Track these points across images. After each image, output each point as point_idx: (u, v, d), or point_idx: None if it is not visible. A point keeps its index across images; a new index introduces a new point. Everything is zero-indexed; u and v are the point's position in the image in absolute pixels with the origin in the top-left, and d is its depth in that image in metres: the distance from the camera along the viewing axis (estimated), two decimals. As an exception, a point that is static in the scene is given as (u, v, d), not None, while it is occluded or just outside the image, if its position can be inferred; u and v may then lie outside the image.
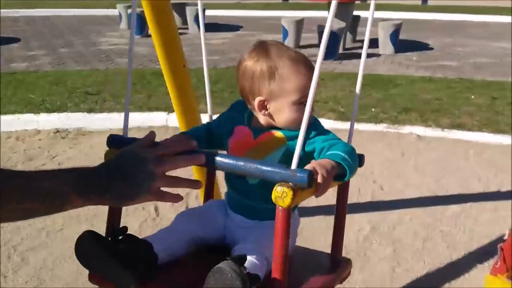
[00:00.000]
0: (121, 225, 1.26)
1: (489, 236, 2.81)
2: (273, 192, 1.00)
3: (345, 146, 1.19)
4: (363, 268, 2.57)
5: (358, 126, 4.37)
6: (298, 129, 1.06)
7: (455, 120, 4.41)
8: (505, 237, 2.10)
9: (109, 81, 5.78)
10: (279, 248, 1.04)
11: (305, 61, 1.25)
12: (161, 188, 1.01)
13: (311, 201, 1.35)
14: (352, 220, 3.01)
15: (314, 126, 1.24)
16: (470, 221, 2.99)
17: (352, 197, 3.28)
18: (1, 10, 11.60)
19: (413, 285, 2.46)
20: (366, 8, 7.00)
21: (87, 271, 1.17)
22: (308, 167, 1.06)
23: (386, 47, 7.70)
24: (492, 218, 3.00)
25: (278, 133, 1.25)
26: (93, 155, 4.02)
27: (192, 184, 1.12)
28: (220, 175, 1.49)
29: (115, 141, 1.28)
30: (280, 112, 1.24)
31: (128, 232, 1.20)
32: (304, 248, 1.40)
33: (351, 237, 2.85)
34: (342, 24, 7.57)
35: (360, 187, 3.39)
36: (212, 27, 10.39)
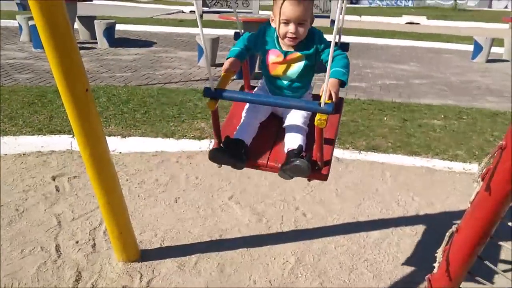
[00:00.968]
0: None
1: (413, 263, 2.80)
2: (315, 121, 1.61)
3: (343, 59, 1.86)
4: (290, 306, 2.41)
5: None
6: (308, 48, 1.90)
7: (371, 142, 4.47)
8: (435, 270, 2.05)
9: (4, 100, 5.17)
10: (319, 144, 1.76)
11: None
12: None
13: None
14: (276, 251, 2.86)
15: (320, 41, 1.91)
16: (393, 247, 2.96)
17: (275, 226, 3.14)
18: None
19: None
20: None
21: None
22: (328, 89, 1.64)
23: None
24: (413, 244, 3.00)
25: (298, 54, 1.92)
26: (-17, 186, 3.51)
27: None
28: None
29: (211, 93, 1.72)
30: (278, 27, 1.87)
31: None
32: None
33: (276, 271, 2.69)
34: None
35: (283, 215, 3.27)
36: (123, 42, 9.92)
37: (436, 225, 3.21)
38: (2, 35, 10.15)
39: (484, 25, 18.08)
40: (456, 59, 10.05)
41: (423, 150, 4.35)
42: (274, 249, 2.90)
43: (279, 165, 1.88)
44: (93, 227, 3.07)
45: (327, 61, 1.60)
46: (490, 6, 30.29)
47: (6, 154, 4.05)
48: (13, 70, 7.12)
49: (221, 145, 1.90)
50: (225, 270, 2.69)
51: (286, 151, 1.92)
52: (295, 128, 1.97)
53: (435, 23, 19.50)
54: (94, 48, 9.31)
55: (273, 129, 2.05)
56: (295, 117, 2.00)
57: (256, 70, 7.04)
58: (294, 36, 1.85)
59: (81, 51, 8.94)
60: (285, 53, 1.93)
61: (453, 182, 3.88)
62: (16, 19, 9.90)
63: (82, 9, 10.59)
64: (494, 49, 10.57)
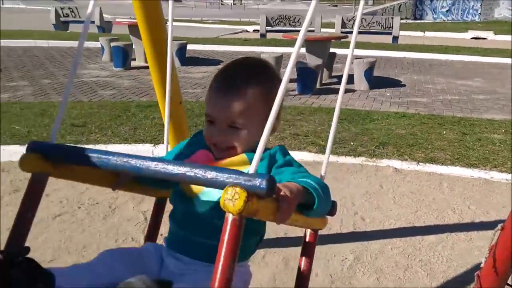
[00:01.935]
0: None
1: (466, 265, 2.99)
2: (221, 196, 0.79)
3: (318, 180, 1.10)
4: (349, 295, 2.70)
5: (338, 159, 4.58)
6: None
7: (429, 154, 4.66)
8: (482, 265, 2.27)
9: (94, 113, 5.86)
10: (223, 270, 0.78)
11: (225, 81, 1.24)
12: None
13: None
14: (336, 250, 3.15)
15: (283, 154, 1.21)
16: (447, 250, 3.17)
17: (335, 228, 3.43)
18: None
19: (397, 312, 2.60)
20: (341, 46, 7.42)
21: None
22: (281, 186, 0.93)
23: (361, 83, 8.04)
24: (468, 248, 3.19)
25: (242, 157, 1.21)
26: (80, 186, 4.07)
27: None
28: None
29: (36, 147, 1.09)
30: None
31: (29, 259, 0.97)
32: None
33: (336, 266, 2.98)
34: (319, 61, 7.91)
35: (343, 218, 3.55)
36: (193, 61, 10.62)
37: (490, 231, 3.36)
38: (84, 55, 11.18)
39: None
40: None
41: (481, 163, 4.48)
42: (334, 248, 3.19)
43: None
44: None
45: (291, 179, 1.07)
46: None
47: (97, 160, 4.64)
48: (98, 87, 7.91)
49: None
50: (289, 263, 3.02)
51: None
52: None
53: (502, 38, 18.94)
54: (167, 66, 10.05)
55: None
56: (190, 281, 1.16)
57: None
58: (219, 149, 1.25)
59: (155, 70, 9.71)
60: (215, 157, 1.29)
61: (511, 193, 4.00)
62: (98, 41, 10.88)
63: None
64: None
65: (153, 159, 0.93)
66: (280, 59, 8.63)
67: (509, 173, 4.28)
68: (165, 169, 0.89)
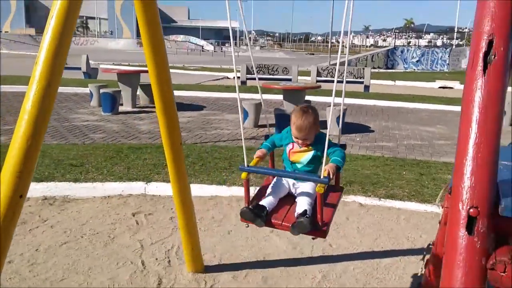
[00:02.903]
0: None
1: (414, 282, 3.58)
2: (316, 188, 2.26)
3: (341, 152, 2.57)
4: (316, 305, 3.24)
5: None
6: (315, 145, 2.61)
7: (389, 191, 5.32)
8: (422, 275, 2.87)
9: (90, 154, 6.40)
10: (320, 207, 2.35)
11: (299, 112, 2.59)
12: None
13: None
14: (307, 270, 3.71)
15: (324, 141, 2.38)
16: (400, 270, 3.76)
17: (306, 252, 4.00)
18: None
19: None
20: (316, 94, 8.27)
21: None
22: (326, 168, 2.32)
23: (333, 128, 8.78)
24: (417, 268, 3.78)
25: (309, 147, 2.64)
26: (81, 219, 4.57)
27: None
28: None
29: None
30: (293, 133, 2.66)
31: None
32: None
33: (307, 283, 3.53)
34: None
35: (313, 245, 4.13)
36: (179, 106, 11.22)
37: (437, 255, 3.98)
38: (73, 101, 11.76)
39: (516, 89, 18.70)
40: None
41: (433, 199, 5.14)
42: (305, 268, 3.75)
43: (290, 225, 2.44)
44: (167, 249, 4.03)
45: (329, 153, 2.37)
46: (526, 70, 30.79)
47: (95, 197, 5.15)
48: (88, 130, 8.46)
49: (250, 206, 2.50)
50: (268, 281, 3.56)
51: (295, 215, 2.49)
52: (302, 198, 2.57)
53: (467, 87, 20.18)
54: (153, 111, 10.68)
55: (288, 203, 2.65)
56: (304, 191, 2.63)
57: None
58: (301, 141, 2.62)
59: (142, 114, 10.34)
60: (300, 146, 2.65)
61: (458, 224, 4.63)
62: (87, 87, 11.51)
63: (143, 78, 12.15)
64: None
65: (280, 170, 2.65)
66: (260, 105, 9.37)
67: (457, 207, 4.95)
68: (288, 173, 2.64)
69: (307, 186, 2.60)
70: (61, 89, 13.48)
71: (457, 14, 55.45)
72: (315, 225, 2.39)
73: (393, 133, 9.20)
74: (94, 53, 19.80)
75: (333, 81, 2.65)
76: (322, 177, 2.26)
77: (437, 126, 10.21)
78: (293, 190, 2.70)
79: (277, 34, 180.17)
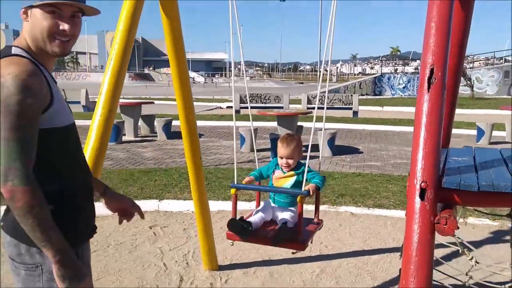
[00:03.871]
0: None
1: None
2: (298, 198, 2.56)
3: (321, 177, 2.81)
4: (316, 291, 3.84)
5: (306, 207, 5.81)
6: (299, 170, 2.83)
7: (377, 202, 5.97)
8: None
9: (105, 178, 6.99)
10: (300, 216, 2.59)
11: (284, 135, 2.91)
12: None
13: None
14: (307, 266, 4.32)
15: (304, 167, 2.79)
16: (386, 264, 4.38)
17: (306, 253, 4.61)
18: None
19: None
20: (307, 120, 9.17)
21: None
22: (306, 188, 2.62)
23: (324, 150, 9.47)
24: (401, 262, 4.40)
25: (292, 172, 2.87)
26: (104, 232, 5.15)
27: None
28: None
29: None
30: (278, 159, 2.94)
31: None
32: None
33: (307, 276, 4.14)
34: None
35: (311, 246, 4.74)
36: (178, 134, 11.92)
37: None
38: (79, 133, 12.34)
39: (496, 112, 19.65)
40: (464, 142, 11.54)
41: (416, 207, 5.79)
42: (305, 265, 4.36)
43: (271, 237, 2.68)
44: (184, 254, 4.61)
45: (309, 178, 2.70)
46: (509, 94, 32.03)
47: (113, 214, 5.73)
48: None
49: (237, 219, 2.71)
50: (274, 275, 4.16)
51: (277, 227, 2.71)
52: (284, 218, 2.80)
53: (451, 110, 21.06)
54: (155, 140, 11.34)
55: (271, 226, 2.84)
56: (285, 217, 2.81)
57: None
58: (286, 166, 2.85)
59: (145, 143, 10.98)
60: (284, 173, 2.88)
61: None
62: (89, 119, 12.11)
63: (144, 109, 12.85)
64: (498, 133, 12.07)
65: (267, 186, 2.99)
66: (256, 131, 10.05)
67: (436, 213, 5.60)
68: (271, 188, 2.90)
69: (287, 215, 2.81)
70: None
71: (440, 41, 57.18)
72: (295, 235, 2.62)
73: (380, 154, 9.90)
74: (88, 87, 20.48)
75: (323, 108, 3.08)
76: (303, 190, 2.61)
77: (421, 146, 10.92)
78: (275, 217, 2.91)
79: (266, 64, 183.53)
